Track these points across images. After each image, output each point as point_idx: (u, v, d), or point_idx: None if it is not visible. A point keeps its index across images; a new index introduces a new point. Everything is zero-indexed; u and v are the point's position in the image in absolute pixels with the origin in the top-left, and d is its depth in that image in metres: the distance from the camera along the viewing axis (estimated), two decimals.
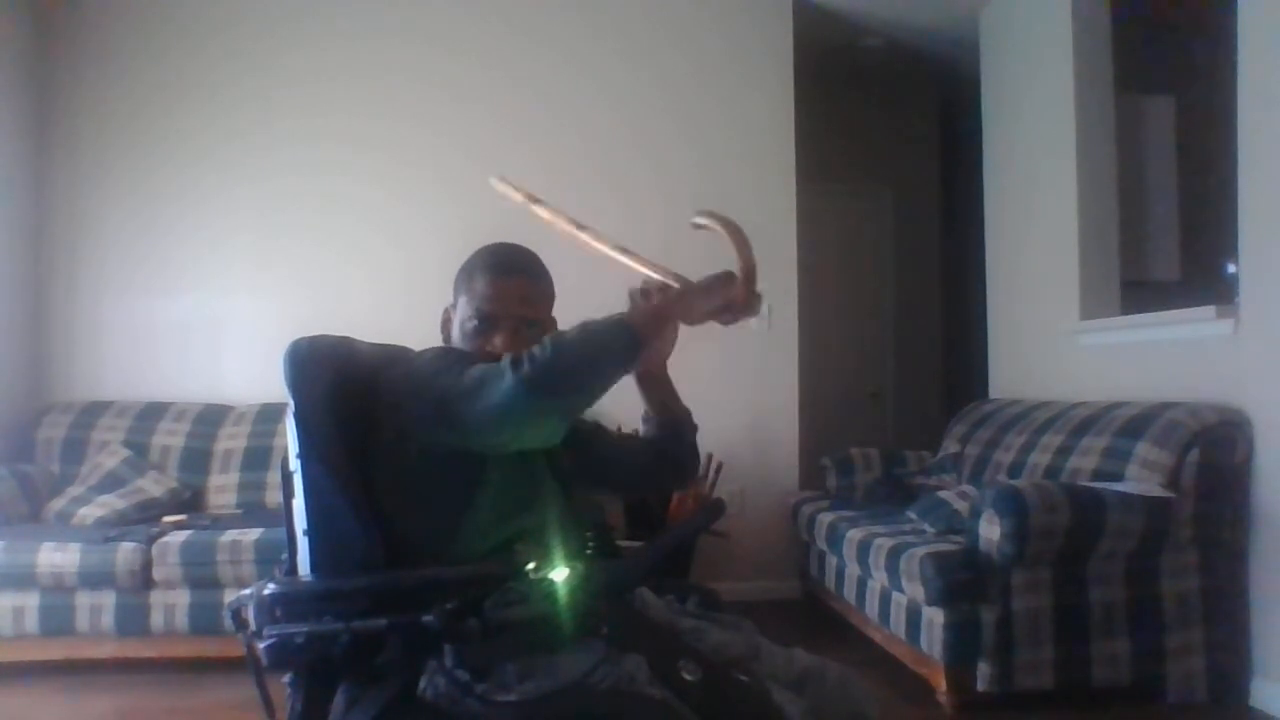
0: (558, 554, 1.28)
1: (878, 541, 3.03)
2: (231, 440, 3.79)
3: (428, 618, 1.12)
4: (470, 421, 1.17)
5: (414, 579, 1.23)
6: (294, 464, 1.30)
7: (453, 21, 4.20)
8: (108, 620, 3.07)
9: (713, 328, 1.37)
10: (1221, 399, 2.84)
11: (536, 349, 1.14)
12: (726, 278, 1.32)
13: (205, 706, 2.81)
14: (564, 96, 4.21)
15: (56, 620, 3.06)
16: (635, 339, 1.19)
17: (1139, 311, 3.54)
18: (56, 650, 3.10)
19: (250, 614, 1.21)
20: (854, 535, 3.24)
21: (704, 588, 1.64)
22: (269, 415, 3.80)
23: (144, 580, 3.07)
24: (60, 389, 3.98)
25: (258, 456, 3.73)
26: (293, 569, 1.33)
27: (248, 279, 4.06)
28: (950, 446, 3.99)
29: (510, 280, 1.41)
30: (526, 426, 1.18)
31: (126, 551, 3.05)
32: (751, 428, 4.16)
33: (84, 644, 3.10)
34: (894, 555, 2.87)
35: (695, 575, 3.67)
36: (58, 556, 3.03)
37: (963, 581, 2.61)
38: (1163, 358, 3.22)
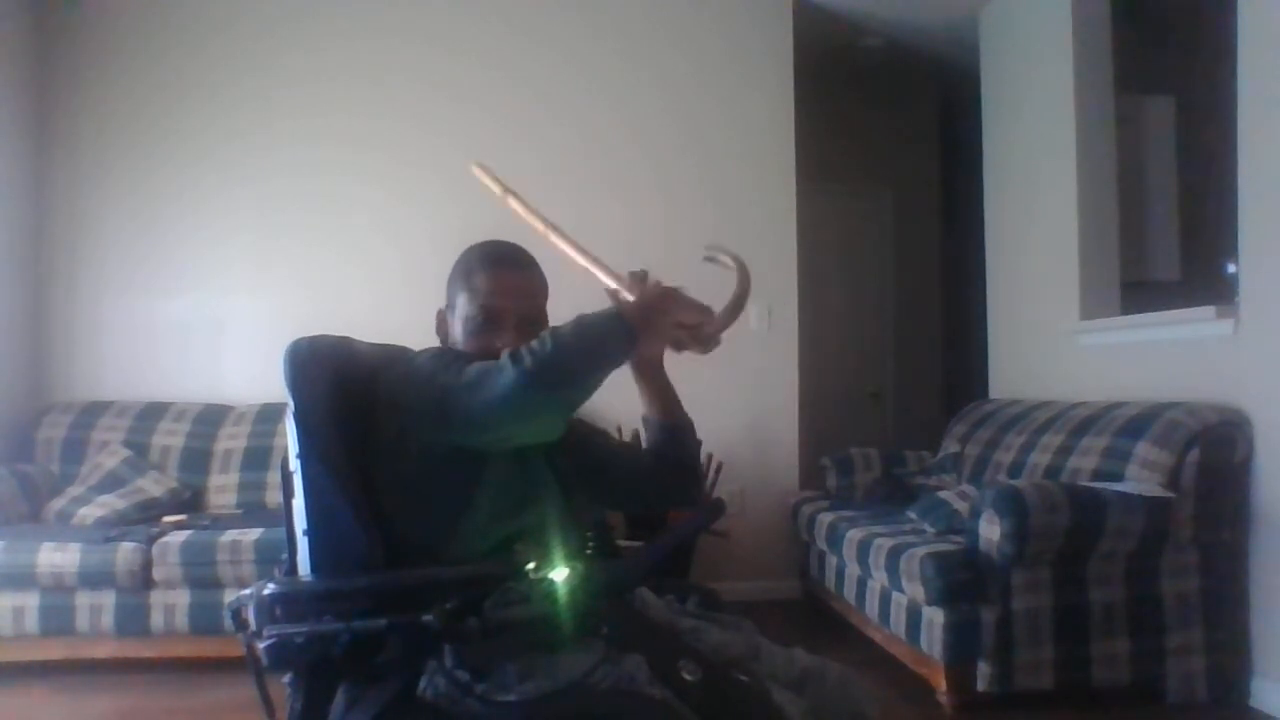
0: (557, 554, 1.27)
1: (878, 541, 3.04)
2: (231, 440, 3.80)
3: (427, 617, 1.12)
4: (471, 416, 1.18)
5: (414, 579, 1.23)
6: (294, 464, 1.30)
7: (452, 21, 4.20)
8: (108, 620, 3.07)
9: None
10: (1221, 399, 2.84)
11: (535, 343, 1.15)
12: (706, 307, 1.30)
13: (205, 706, 2.82)
14: (564, 96, 4.21)
15: (56, 620, 3.06)
16: (630, 330, 1.20)
17: (1139, 311, 3.54)
18: (56, 650, 3.10)
19: (250, 614, 1.21)
20: (854, 535, 3.24)
21: (704, 588, 1.64)
22: (269, 415, 3.80)
23: (144, 580, 3.07)
24: (60, 389, 3.98)
25: (258, 456, 3.73)
26: (293, 569, 1.33)
27: (248, 279, 4.07)
28: (950, 446, 3.99)
29: (513, 274, 1.42)
30: (527, 420, 1.19)
31: (126, 551, 3.06)
32: (751, 428, 4.16)
33: (84, 644, 3.11)
34: (894, 555, 2.87)
35: (695, 575, 3.68)
36: (58, 556, 3.04)
37: (963, 581, 2.61)
38: (1163, 358, 3.21)
